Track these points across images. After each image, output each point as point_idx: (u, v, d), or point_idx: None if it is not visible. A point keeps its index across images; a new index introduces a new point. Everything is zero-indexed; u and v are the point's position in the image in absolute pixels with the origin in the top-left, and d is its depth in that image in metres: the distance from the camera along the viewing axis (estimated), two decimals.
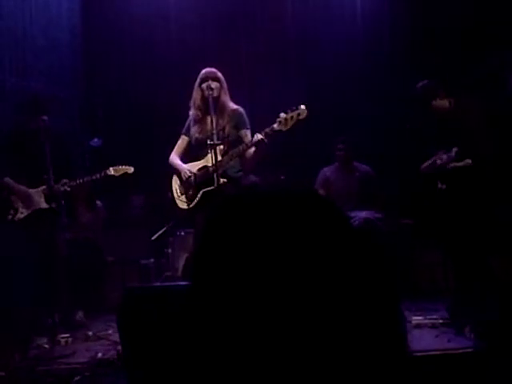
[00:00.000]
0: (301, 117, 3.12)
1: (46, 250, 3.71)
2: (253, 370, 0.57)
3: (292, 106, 3.18)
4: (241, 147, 3.29)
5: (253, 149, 3.29)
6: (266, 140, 3.16)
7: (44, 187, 3.73)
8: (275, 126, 3.14)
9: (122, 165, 4.05)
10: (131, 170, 4.10)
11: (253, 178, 3.50)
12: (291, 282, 0.57)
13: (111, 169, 4.00)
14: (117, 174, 4.02)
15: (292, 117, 3.11)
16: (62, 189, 3.75)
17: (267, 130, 3.18)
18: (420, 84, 3.71)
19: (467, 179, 3.52)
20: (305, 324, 0.56)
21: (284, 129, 3.12)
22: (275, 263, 0.58)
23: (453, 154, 3.50)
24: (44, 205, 3.76)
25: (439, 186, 3.57)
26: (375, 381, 0.59)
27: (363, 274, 0.61)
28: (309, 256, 0.58)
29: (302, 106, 3.13)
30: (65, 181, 3.77)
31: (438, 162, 3.70)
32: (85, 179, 3.92)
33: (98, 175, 3.97)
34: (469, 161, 3.47)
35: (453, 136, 3.58)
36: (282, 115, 3.12)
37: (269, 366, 0.57)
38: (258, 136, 3.18)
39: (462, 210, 3.51)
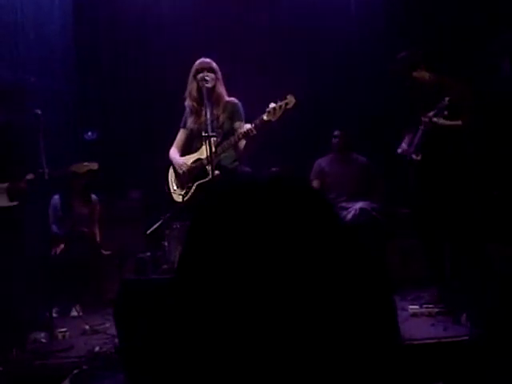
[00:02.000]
0: (289, 106, 3.13)
1: (7, 249, 3.55)
2: (242, 362, 0.57)
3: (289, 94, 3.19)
4: (232, 139, 3.29)
5: (244, 141, 3.29)
6: (254, 131, 3.16)
7: (7, 184, 3.60)
8: (264, 116, 3.15)
9: (87, 161, 3.91)
10: (95, 166, 3.93)
11: (246, 169, 3.50)
12: (278, 275, 0.57)
13: (74, 166, 3.86)
14: (80, 171, 3.87)
15: (280, 106, 3.12)
16: (24, 186, 3.59)
17: (257, 121, 3.19)
18: (401, 54, 3.69)
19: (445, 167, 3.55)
20: (291, 315, 0.56)
21: (273, 119, 3.13)
22: (262, 255, 0.57)
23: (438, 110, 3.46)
24: (6, 202, 3.60)
25: (414, 157, 3.57)
26: (368, 371, 0.59)
27: (351, 266, 0.61)
28: (296, 248, 0.58)
29: (290, 96, 3.14)
30: (28, 178, 3.62)
31: (399, 150, 3.74)
32: (45, 176, 3.72)
33: (59, 172, 3.83)
34: (459, 122, 3.46)
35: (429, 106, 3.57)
36: (271, 105, 3.13)
37: (257, 357, 0.56)
38: (247, 126, 3.19)
39: (456, 198, 3.53)
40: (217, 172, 3.21)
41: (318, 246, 0.59)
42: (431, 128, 3.46)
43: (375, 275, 0.63)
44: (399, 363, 0.63)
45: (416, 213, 3.81)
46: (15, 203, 3.62)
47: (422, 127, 3.52)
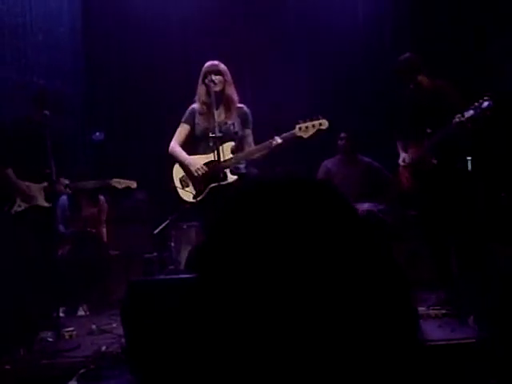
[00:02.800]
0: (322, 127, 3.22)
1: (37, 247, 3.66)
2: (259, 361, 0.56)
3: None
4: (258, 147, 3.35)
5: (265, 151, 3.32)
6: (283, 144, 3.23)
7: (46, 184, 3.72)
8: (296, 131, 3.22)
9: (124, 177, 4.11)
10: (134, 185, 4.13)
11: (254, 170, 3.50)
12: (299, 274, 0.57)
13: (114, 180, 4.04)
14: (119, 187, 4.05)
15: (314, 125, 3.22)
16: (62, 189, 3.75)
17: (287, 134, 3.27)
18: (405, 56, 3.66)
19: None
20: (311, 317, 0.56)
21: (305, 136, 3.23)
22: (283, 256, 0.57)
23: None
24: (43, 202, 3.75)
25: (433, 161, 3.51)
26: (388, 368, 0.58)
27: (372, 261, 0.60)
28: (316, 249, 0.58)
29: (323, 119, 3.22)
30: (66, 182, 3.75)
31: (405, 160, 3.71)
32: (86, 185, 3.95)
33: (100, 183, 3.99)
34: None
35: (426, 113, 3.54)
36: (303, 122, 3.20)
37: (276, 355, 0.56)
38: (278, 140, 3.24)
39: (464, 200, 3.51)
40: (235, 177, 3.26)
41: (342, 244, 0.59)
42: (460, 130, 3.32)
43: (396, 273, 0.62)
44: (417, 361, 0.62)
45: (424, 216, 3.78)
46: (49, 205, 3.73)
47: (446, 129, 3.37)
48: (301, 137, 3.23)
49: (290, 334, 0.56)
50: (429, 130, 3.51)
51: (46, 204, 3.75)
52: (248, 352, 0.58)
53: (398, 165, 3.84)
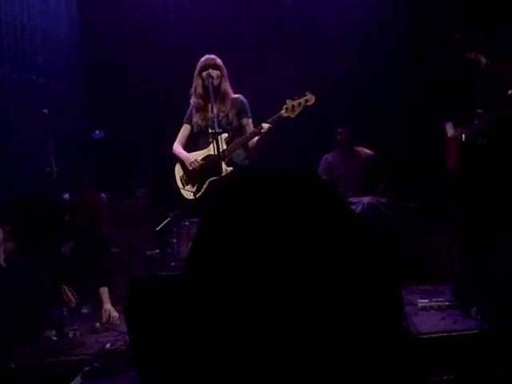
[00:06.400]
0: (308, 103, 3.14)
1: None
2: (252, 356, 0.56)
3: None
4: (247, 136, 3.29)
5: (256, 138, 3.27)
6: (273, 128, 3.16)
7: None
8: (283, 112, 3.14)
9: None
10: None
11: (251, 164, 3.49)
12: (289, 268, 0.57)
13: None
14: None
15: (300, 103, 3.12)
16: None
17: (275, 117, 3.18)
18: (459, 34, 3.54)
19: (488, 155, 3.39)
20: (302, 311, 0.56)
21: (292, 115, 3.13)
22: (273, 250, 0.57)
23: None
24: None
25: (480, 140, 3.36)
26: (374, 361, 0.58)
27: (361, 257, 0.60)
28: (308, 240, 0.58)
29: (309, 93, 3.13)
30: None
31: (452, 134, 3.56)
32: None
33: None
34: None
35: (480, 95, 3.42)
36: (289, 102, 3.12)
37: (267, 350, 0.56)
38: (266, 126, 3.17)
39: (476, 189, 3.44)
40: (230, 168, 3.22)
41: (330, 238, 0.59)
42: None
43: (384, 267, 0.62)
44: (407, 354, 0.62)
45: (464, 203, 3.64)
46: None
47: (499, 107, 3.26)
48: (288, 117, 3.13)
49: (283, 325, 0.56)
50: (479, 111, 3.40)
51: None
52: (243, 344, 0.58)
53: (445, 145, 3.68)
